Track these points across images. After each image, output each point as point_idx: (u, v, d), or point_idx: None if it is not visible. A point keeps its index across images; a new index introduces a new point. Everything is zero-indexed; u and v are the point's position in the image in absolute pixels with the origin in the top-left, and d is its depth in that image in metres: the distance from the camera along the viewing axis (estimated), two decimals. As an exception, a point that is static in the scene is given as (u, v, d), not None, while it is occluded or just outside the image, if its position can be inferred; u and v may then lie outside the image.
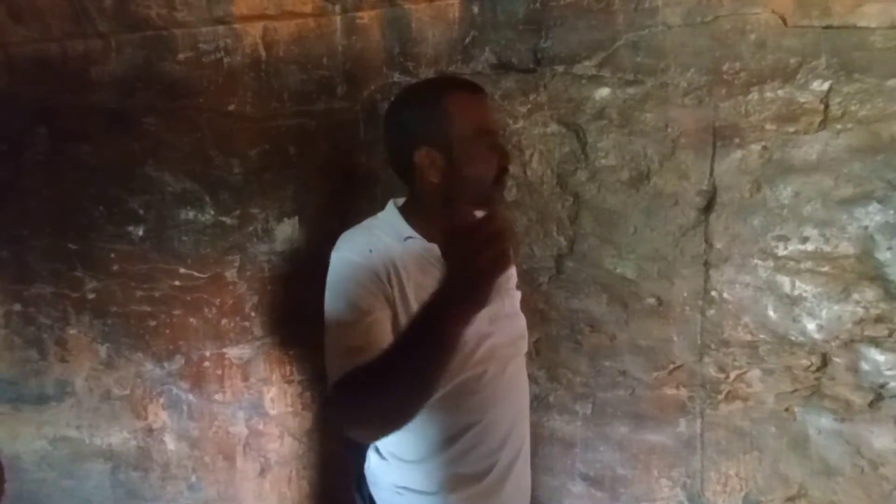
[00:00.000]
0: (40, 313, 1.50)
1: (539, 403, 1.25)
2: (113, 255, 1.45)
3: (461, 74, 1.19)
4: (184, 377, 1.45)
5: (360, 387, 0.67)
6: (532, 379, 1.25)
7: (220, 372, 1.43)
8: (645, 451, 1.20)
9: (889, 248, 1.02)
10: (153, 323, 1.45)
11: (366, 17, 1.25)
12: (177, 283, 1.42)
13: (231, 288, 1.40)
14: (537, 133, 1.19)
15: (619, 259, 1.17)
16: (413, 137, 0.79)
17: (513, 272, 0.95)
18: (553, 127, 1.18)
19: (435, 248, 0.81)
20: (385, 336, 0.74)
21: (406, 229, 0.82)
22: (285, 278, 1.38)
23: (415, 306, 0.76)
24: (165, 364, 1.45)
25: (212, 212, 1.38)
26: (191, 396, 1.45)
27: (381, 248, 0.79)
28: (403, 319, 0.77)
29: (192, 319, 1.42)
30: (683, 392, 1.17)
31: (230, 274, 1.39)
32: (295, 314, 1.38)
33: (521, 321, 0.94)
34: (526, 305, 1.00)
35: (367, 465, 0.93)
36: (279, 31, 1.30)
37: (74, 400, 1.52)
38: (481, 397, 0.82)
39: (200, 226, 1.39)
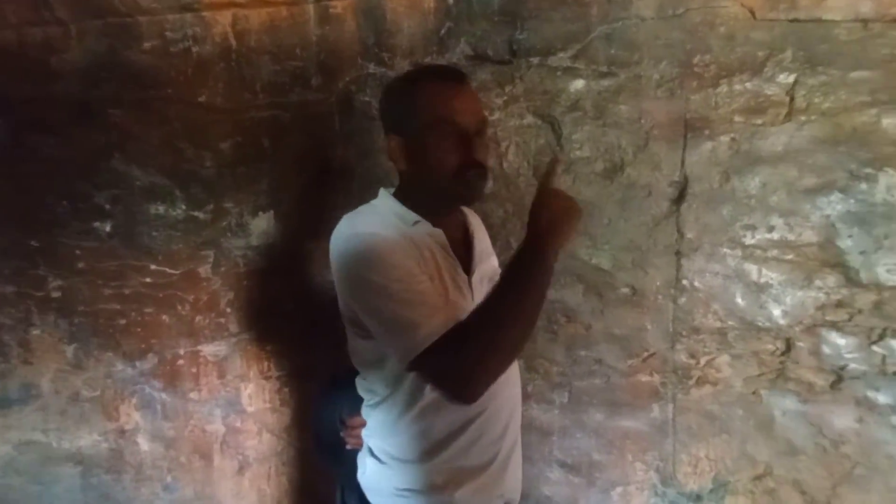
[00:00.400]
0: (1, 314, 1.44)
1: (518, 393, 1.26)
2: (79, 252, 1.40)
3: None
4: (157, 376, 1.41)
5: (477, 330, 0.68)
6: (511, 369, 1.27)
7: (194, 370, 1.40)
8: (620, 437, 1.23)
9: (850, 236, 1.06)
10: (123, 321, 1.41)
11: (339, 6, 1.23)
12: (148, 279, 1.38)
13: (205, 284, 1.37)
14: (513, 125, 1.19)
15: (594, 250, 1.19)
16: (386, 125, 0.81)
17: (497, 266, 0.95)
18: (529, 119, 1.19)
19: (441, 234, 0.79)
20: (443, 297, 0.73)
21: (411, 214, 0.79)
22: (261, 273, 1.35)
23: (446, 279, 0.76)
24: (137, 363, 1.41)
25: (183, 206, 1.35)
26: (164, 396, 1.42)
27: (385, 233, 0.75)
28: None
29: (164, 317, 1.39)
30: (656, 378, 1.20)
31: (204, 270, 1.36)
32: (272, 309, 1.36)
33: None
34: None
35: (361, 473, 0.90)
36: (250, 19, 1.27)
37: (40, 403, 1.47)
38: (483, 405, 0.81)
39: (172, 221, 1.36)
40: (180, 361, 1.40)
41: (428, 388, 0.78)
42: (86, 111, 1.35)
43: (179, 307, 1.38)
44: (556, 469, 1.28)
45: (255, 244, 1.34)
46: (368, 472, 0.88)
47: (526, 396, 1.27)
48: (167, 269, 1.37)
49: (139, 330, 1.40)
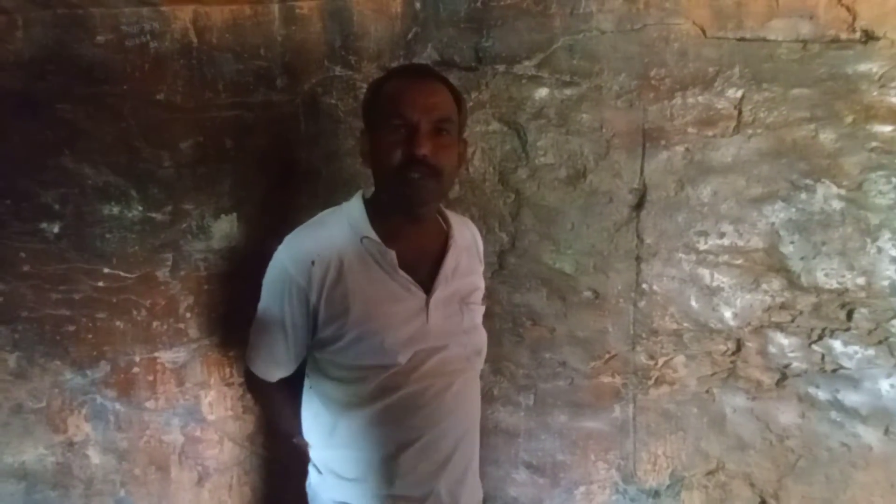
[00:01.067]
0: (-65, 320, 1.34)
1: (484, 396, 1.27)
2: (23, 254, 1.32)
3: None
4: (109, 385, 1.35)
5: (252, 390, 0.96)
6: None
7: (151, 377, 1.34)
8: (583, 437, 1.27)
9: (792, 243, 1.13)
10: (72, 328, 1.33)
11: (305, 7, 1.22)
12: (100, 284, 1.32)
13: (163, 288, 1.31)
14: (479, 131, 1.21)
15: (557, 254, 1.22)
16: (361, 119, 0.83)
17: (480, 285, 0.91)
18: (494, 125, 1.21)
19: (391, 255, 0.76)
20: (290, 343, 0.80)
21: (365, 228, 0.77)
22: (223, 277, 1.31)
23: (350, 301, 0.75)
24: (88, 372, 1.34)
25: (139, 207, 1.30)
26: (118, 405, 1.35)
27: (326, 254, 0.75)
28: (323, 308, 0.75)
29: (118, 323, 1.33)
30: (618, 380, 1.24)
31: (162, 273, 1.31)
32: (234, 314, 1.32)
33: (480, 336, 0.89)
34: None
35: (307, 481, 0.90)
36: (211, 16, 1.23)
37: (-21, 415, 1.37)
38: (423, 414, 0.77)
39: (126, 222, 1.30)
40: (135, 369, 1.34)
41: (363, 404, 0.77)
42: (31, 105, 1.28)
43: (135, 312, 1.32)
44: (521, 470, 1.31)
45: (217, 247, 1.30)
46: (312, 482, 0.88)
47: (492, 399, 1.29)
48: (121, 273, 1.31)
49: (90, 336, 1.33)
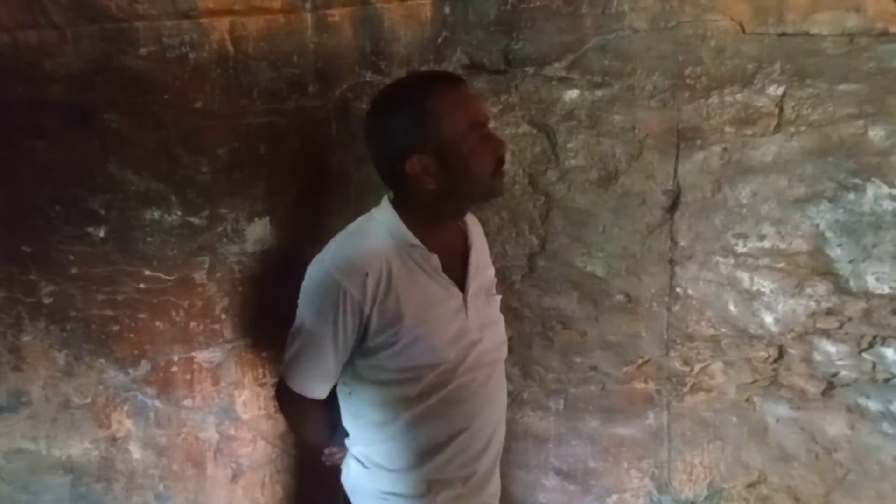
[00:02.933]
0: (-8, 319, 1.42)
1: (513, 400, 1.27)
2: (71, 257, 1.38)
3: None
4: (150, 383, 1.40)
5: (285, 407, 0.92)
6: (506, 376, 1.27)
7: (188, 377, 1.39)
8: (615, 444, 1.24)
9: (839, 245, 1.08)
10: (116, 327, 1.39)
11: (337, 14, 1.24)
12: (142, 285, 1.37)
13: (200, 290, 1.36)
14: (509, 133, 1.20)
15: (588, 257, 1.20)
16: (402, 146, 0.74)
17: (493, 275, 0.94)
18: (524, 127, 1.20)
19: (435, 259, 0.79)
20: (340, 356, 0.79)
21: (408, 235, 0.78)
22: (257, 279, 1.35)
23: (402, 308, 0.76)
24: (130, 370, 1.40)
25: (179, 212, 1.34)
26: (157, 403, 1.40)
27: (377, 264, 0.75)
28: (375, 318, 0.76)
29: (158, 323, 1.38)
30: (651, 385, 1.21)
31: (199, 276, 1.36)
32: (267, 316, 1.35)
33: (503, 325, 0.94)
34: (501, 304, 1.02)
35: (345, 475, 0.91)
36: (247, 26, 1.27)
37: (30, 410, 1.44)
38: (469, 405, 0.82)
39: (167, 226, 1.35)
40: (174, 368, 1.39)
41: (413, 403, 0.79)
42: (80, 115, 1.35)
43: (174, 313, 1.37)
44: (551, 476, 1.29)
45: (251, 250, 1.34)
46: (352, 475, 0.89)
47: (521, 403, 1.27)
48: (161, 275, 1.37)
49: (132, 336, 1.39)
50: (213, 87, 1.29)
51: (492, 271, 0.94)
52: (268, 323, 1.36)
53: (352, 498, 0.90)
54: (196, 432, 1.40)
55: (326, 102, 1.27)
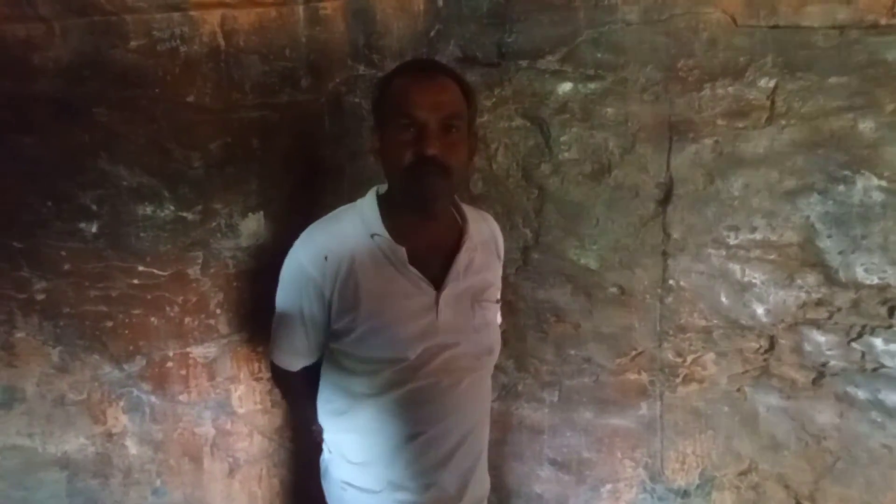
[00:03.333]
0: (-17, 316, 1.41)
1: (508, 392, 1.28)
2: (63, 253, 1.37)
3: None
4: (145, 378, 1.40)
5: (275, 379, 1.01)
6: (501, 369, 1.28)
7: (184, 372, 1.39)
8: (609, 435, 1.25)
9: (829, 237, 1.09)
10: (110, 323, 1.39)
11: (329, 7, 1.23)
12: (135, 281, 1.37)
13: (194, 285, 1.35)
14: (502, 126, 1.20)
15: (582, 250, 1.20)
16: (373, 121, 0.83)
17: (496, 283, 0.91)
18: (518, 121, 1.20)
19: (402, 252, 0.77)
20: (309, 334, 0.83)
21: (376, 225, 0.78)
22: (251, 274, 1.35)
23: (360, 295, 0.76)
24: (125, 366, 1.40)
25: (171, 207, 1.34)
26: (153, 398, 1.40)
27: (339, 249, 0.77)
28: (336, 302, 0.78)
29: (152, 319, 1.37)
30: (644, 377, 1.22)
31: (193, 271, 1.35)
32: (262, 310, 1.34)
33: (493, 335, 0.88)
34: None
35: (321, 456, 0.95)
36: (238, 19, 1.26)
37: (25, 407, 1.44)
38: (429, 409, 0.79)
39: (159, 221, 1.34)
40: (169, 363, 1.39)
41: (371, 396, 0.80)
42: (69, 110, 1.33)
43: (168, 309, 1.37)
44: (546, 467, 1.30)
45: (245, 245, 1.34)
46: (324, 459, 0.92)
47: (517, 395, 1.28)
48: (155, 271, 1.36)
49: (127, 332, 1.39)
50: (205, 80, 1.28)
51: (491, 276, 0.89)
52: (263, 317, 1.35)
53: (322, 481, 0.93)
54: (192, 427, 1.40)
55: (319, 96, 1.26)
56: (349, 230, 0.80)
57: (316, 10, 1.23)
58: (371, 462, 0.82)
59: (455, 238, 0.84)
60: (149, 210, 1.34)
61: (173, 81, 1.28)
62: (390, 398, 0.78)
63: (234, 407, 1.39)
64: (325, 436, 0.91)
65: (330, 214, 0.86)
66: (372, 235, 0.78)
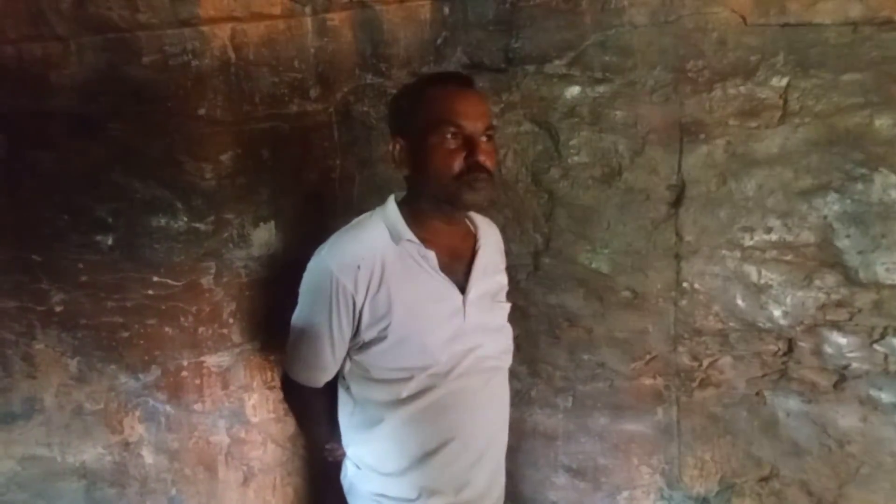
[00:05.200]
0: (4, 329, 1.44)
1: (521, 398, 1.27)
2: (80, 265, 1.40)
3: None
4: (160, 388, 1.41)
5: (289, 397, 0.96)
6: (514, 374, 1.27)
7: (198, 381, 1.40)
8: (625, 441, 1.23)
9: (847, 236, 1.07)
10: (126, 334, 1.41)
11: (337, 18, 1.24)
12: (150, 292, 1.39)
13: (207, 295, 1.37)
14: (511, 132, 1.20)
15: (593, 254, 1.19)
16: (391, 128, 0.81)
17: (505, 283, 0.93)
18: (526, 126, 1.20)
19: (432, 256, 0.79)
20: (336, 347, 0.80)
21: (405, 231, 0.79)
22: (263, 283, 1.36)
23: (393, 302, 0.76)
24: (141, 375, 1.42)
25: (184, 218, 1.36)
26: (168, 407, 1.42)
27: (370, 257, 0.77)
28: (367, 311, 0.77)
29: (167, 329, 1.39)
30: (659, 381, 1.20)
31: (206, 281, 1.37)
32: (274, 319, 1.36)
33: (509, 334, 0.92)
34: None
35: (343, 476, 0.92)
36: (248, 33, 1.28)
37: (44, 417, 1.46)
38: (461, 411, 0.80)
39: (173, 233, 1.36)
40: (184, 373, 1.40)
41: (403, 404, 0.79)
42: (85, 125, 1.36)
43: (182, 319, 1.38)
44: (561, 474, 1.28)
45: (257, 255, 1.35)
46: (349, 476, 0.89)
47: (530, 401, 1.27)
48: (169, 281, 1.38)
49: (142, 342, 1.41)
50: (216, 93, 1.30)
51: (502, 277, 0.92)
52: (275, 326, 1.36)
53: (348, 498, 0.89)
54: (207, 436, 1.41)
55: (328, 106, 1.28)
56: (377, 238, 0.79)
57: (324, 21, 1.25)
58: (405, 471, 0.81)
59: (470, 243, 0.87)
60: (163, 222, 1.36)
61: (185, 95, 1.31)
62: (422, 404, 0.78)
63: (247, 416, 1.40)
64: (350, 450, 0.88)
65: (352, 224, 0.84)
66: (402, 241, 0.78)
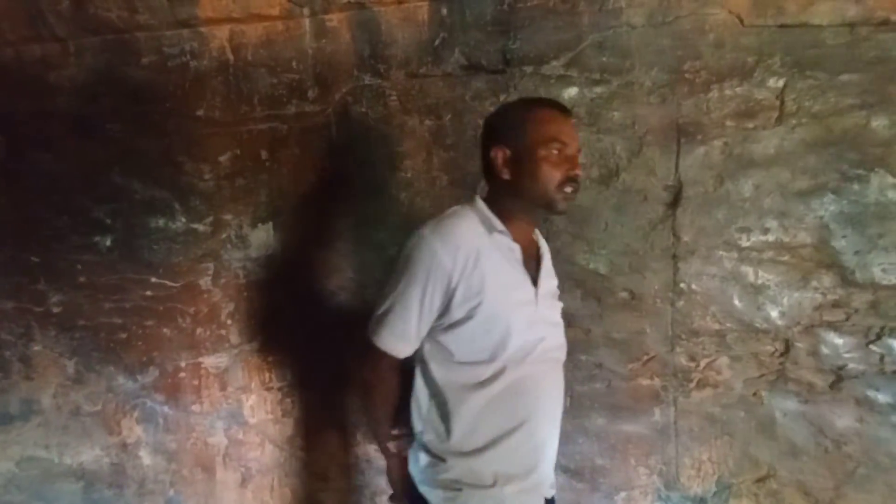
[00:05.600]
0: (2, 330, 1.44)
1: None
2: (79, 266, 1.40)
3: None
4: (158, 389, 1.41)
5: (370, 370, 0.92)
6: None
7: (196, 382, 1.40)
8: (622, 441, 1.23)
9: (844, 237, 1.07)
10: (124, 335, 1.41)
11: (335, 19, 1.25)
12: (148, 293, 1.39)
13: (206, 296, 1.37)
14: (509, 133, 1.20)
15: (591, 255, 1.20)
16: (493, 137, 0.91)
17: (557, 284, 1.00)
18: (524, 127, 1.20)
19: (518, 249, 0.89)
20: (423, 319, 0.86)
21: (498, 223, 0.89)
22: (261, 284, 1.36)
23: (485, 283, 0.84)
24: (138, 377, 1.42)
25: (183, 219, 1.36)
26: (166, 408, 1.42)
27: (469, 242, 0.85)
28: (461, 290, 0.84)
29: (165, 330, 1.39)
30: (657, 382, 1.20)
31: (204, 282, 1.37)
32: (272, 320, 1.36)
33: (563, 330, 0.99)
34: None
35: (413, 464, 0.94)
36: (246, 34, 1.28)
37: (42, 418, 1.46)
38: (531, 396, 0.88)
39: (171, 234, 1.36)
40: (182, 374, 1.40)
41: (483, 386, 0.86)
42: (84, 126, 1.37)
43: (180, 320, 1.38)
44: (559, 475, 1.28)
45: (255, 255, 1.35)
46: (421, 465, 0.92)
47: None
48: (167, 282, 1.38)
49: (140, 343, 1.41)
50: (214, 94, 1.31)
51: (556, 282, 1.00)
52: (273, 327, 1.36)
53: (420, 488, 0.92)
54: (205, 437, 1.41)
55: (326, 107, 1.28)
56: (473, 226, 0.88)
57: (322, 22, 1.25)
58: (488, 448, 0.87)
59: (535, 245, 0.97)
60: (161, 222, 1.36)
61: (184, 96, 1.31)
62: (499, 386, 0.85)
63: (245, 417, 1.40)
64: (427, 437, 0.92)
65: (450, 212, 0.91)
66: (492, 232, 0.88)
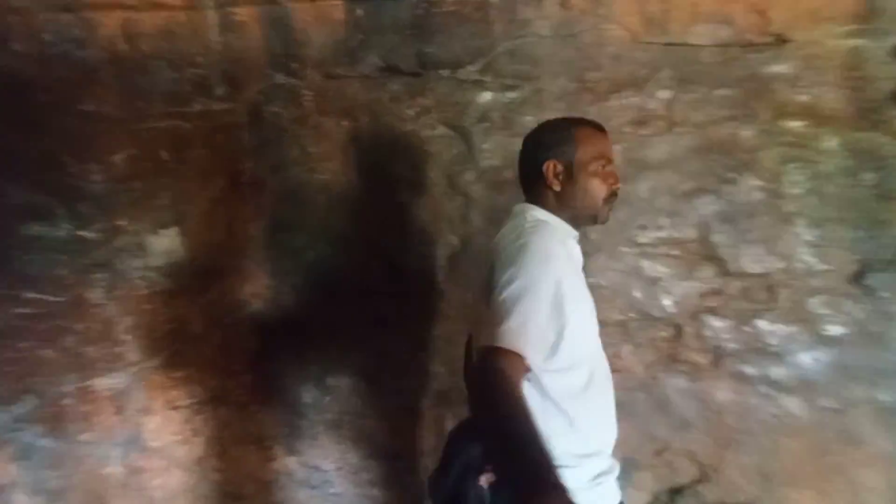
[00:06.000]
0: None
1: (441, 399, 1.29)
2: (-69, 282, 1.20)
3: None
4: (37, 420, 1.24)
5: (506, 387, 0.76)
6: (433, 375, 1.29)
7: (85, 408, 1.25)
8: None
9: (721, 232, 1.22)
10: (-8, 360, 1.22)
11: (244, 14, 1.19)
12: (22, 310, 1.22)
13: (96, 311, 1.23)
14: (426, 136, 1.22)
15: (509, 254, 1.25)
16: (545, 151, 0.95)
17: None
18: (440, 129, 1.22)
19: (582, 258, 0.94)
20: (548, 323, 0.81)
21: (572, 231, 0.93)
22: (165, 295, 1.25)
23: (575, 289, 0.86)
24: (12, 407, 1.23)
25: (67, 226, 1.21)
26: (48, 441, 1.25)
27: (565, 248, 0.89)
28: (568, 293, 0.83)
29: (45, 351, 1.23)
30: (571, 371, 1.28)
31: (95, 295, 1.23)
32: (179, 333, 1.26)
33: None
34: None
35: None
36: (143, 23, 1.18)
37: None
38: (609, 396, 0.96)
39: (53, 242, 1.21)
40: (66, 400, 1.24)
41: (578, 397, 0.88)
42: (-65, 119, 1.17)
43: (64, 339, 1.23)
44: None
45: (157, 264, 1.24)
46: (582, 479, 0.91)
47: (449, 402, 1.29)
48: (47, 297, 1.22)
49: (13, 369, 1.23)
50: (105, 88, 1.18)
51: None
52: (180, 341, 1.26)
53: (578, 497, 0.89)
54: (97, 469, 1.26)
55: (236, 106, 1.21)
56: (558, 234, 0.91)
57: (229, 15, 1.19)
58: (595, 455, 0.91)
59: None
60: (40, 229, 1.20)
61: (67, 89, 1.17)
62: (593, 392, 0.90)
63: (146, 441, 1.27)
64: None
65: (532, 223, 0.91)
66: (566, 240, 0.92)
